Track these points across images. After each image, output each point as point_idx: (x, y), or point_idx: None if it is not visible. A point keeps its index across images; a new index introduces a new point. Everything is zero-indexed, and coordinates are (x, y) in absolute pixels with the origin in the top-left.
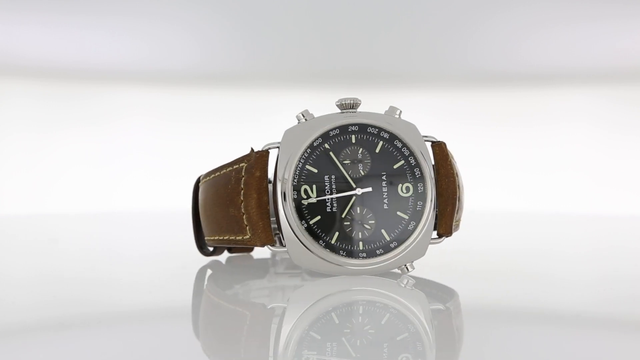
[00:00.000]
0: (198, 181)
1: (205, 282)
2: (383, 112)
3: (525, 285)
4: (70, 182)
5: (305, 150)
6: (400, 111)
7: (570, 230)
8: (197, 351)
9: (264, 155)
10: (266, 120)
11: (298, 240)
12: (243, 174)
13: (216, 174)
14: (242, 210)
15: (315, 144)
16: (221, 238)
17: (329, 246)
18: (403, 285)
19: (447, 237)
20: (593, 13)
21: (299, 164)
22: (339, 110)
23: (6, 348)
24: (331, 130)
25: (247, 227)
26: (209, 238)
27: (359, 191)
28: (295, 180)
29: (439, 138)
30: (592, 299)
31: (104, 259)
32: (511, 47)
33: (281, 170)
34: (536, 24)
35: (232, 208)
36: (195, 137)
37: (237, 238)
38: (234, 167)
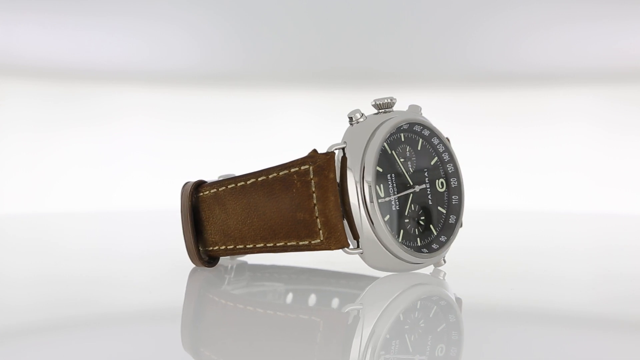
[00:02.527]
0: (193, 192)
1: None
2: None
3: (526, 285)
4: (70, 182)
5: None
6: (421, 108)
7: (570, 229)
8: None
9: (333, 156)
10: (266, 121)
11: (378, 241)
12: (311, 176)
13: (259, 179)
14: (316, 213)
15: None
16: (272, 245)
17: (400, 244)
18: (441, 278)
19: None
20: (593, 13)
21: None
22: (375, 111)
23: (6, 348)
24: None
25: (321, 231)
26: (242, 247)
27: (417, 188)
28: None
29: None
30: (592, 299)
31: (104, 258)
32: (511, 47)
33: (357, 171)
34: (536, 24)
35: (300, 212)
36: (195, 137)
37: (302, 243)
38: (292, 170)
